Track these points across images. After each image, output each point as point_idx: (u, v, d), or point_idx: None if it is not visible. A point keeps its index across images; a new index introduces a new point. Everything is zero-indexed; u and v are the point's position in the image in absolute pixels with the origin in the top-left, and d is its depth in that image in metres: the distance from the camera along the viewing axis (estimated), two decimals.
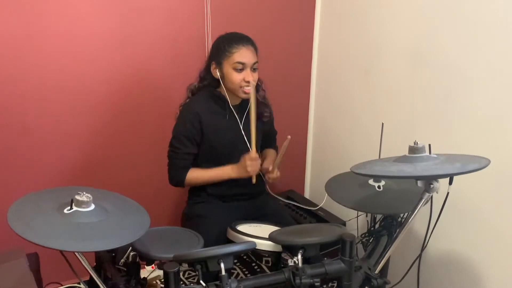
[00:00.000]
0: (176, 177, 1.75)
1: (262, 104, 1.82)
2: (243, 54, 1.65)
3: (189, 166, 1.75)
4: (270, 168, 1.79)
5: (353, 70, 2.14)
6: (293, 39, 2.31)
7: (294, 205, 2.26)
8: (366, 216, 1.69)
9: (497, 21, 1.46)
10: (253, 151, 1.69)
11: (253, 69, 1.68)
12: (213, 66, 1.70)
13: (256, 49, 1.70)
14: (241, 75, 1.65)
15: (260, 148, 1.90)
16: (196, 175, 1.74)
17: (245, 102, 1.76)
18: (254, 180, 1.73)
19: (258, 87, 1.77)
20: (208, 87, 1.76)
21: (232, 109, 1.75)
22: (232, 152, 1.76)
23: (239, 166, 1.71)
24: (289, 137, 1.71)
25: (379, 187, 1.52)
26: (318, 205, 2.15)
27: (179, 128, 1.72)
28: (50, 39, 1.77)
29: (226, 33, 1.73)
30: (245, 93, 1.68)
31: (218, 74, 1.68)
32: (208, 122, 1.71)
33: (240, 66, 1.65)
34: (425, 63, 1.73)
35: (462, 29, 1.57)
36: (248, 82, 1.66)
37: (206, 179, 1.76)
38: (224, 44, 1.67)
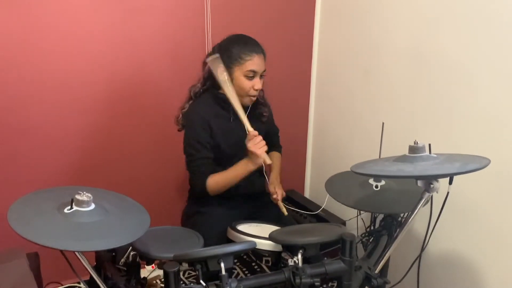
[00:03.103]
0: (198, 184, 1.70)
1: (261, 104, 1.82)
2: (256, 63, 1.64)
3: (208, 171, 1.69)
4: (277, 194, 1.79)
5: (353, 70, 2.14)
6: (293, 39, 2.31)
7: (294, 205, 2.26)
8: (360, 214, 1.69)
9: (497, 20, 1.45)
10: (250, 130, 1.63)
11: (261, 76, 1.68)
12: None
13: (265, 56, 1.69)
14: (251, 82, 1.65)
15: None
16: (217, 179, 1.69)
17: None
18: (268, 161, 1.63)
19: None
20: (210, 89, 1.75)
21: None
22: (239, 153, 1.75)
23: (250, 156, 1.65)
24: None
25: (376, 186, 1.52)
26: (318, 206, 2.15)
27: (191, 135, 1.69)
28: (50, 39, 1.77)
29: (235, 35, 1.70)
30: (251, 100, 1.70)
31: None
32: (215, 126, 1.70)
33: (251, 74, 1.64)
34: (425, 63, 1.73)
35: (462, 29, 1.57)
36: (256, 90, 1.67)
37: (228, 181, 1.69)
38: (237, 50, 1.64)
